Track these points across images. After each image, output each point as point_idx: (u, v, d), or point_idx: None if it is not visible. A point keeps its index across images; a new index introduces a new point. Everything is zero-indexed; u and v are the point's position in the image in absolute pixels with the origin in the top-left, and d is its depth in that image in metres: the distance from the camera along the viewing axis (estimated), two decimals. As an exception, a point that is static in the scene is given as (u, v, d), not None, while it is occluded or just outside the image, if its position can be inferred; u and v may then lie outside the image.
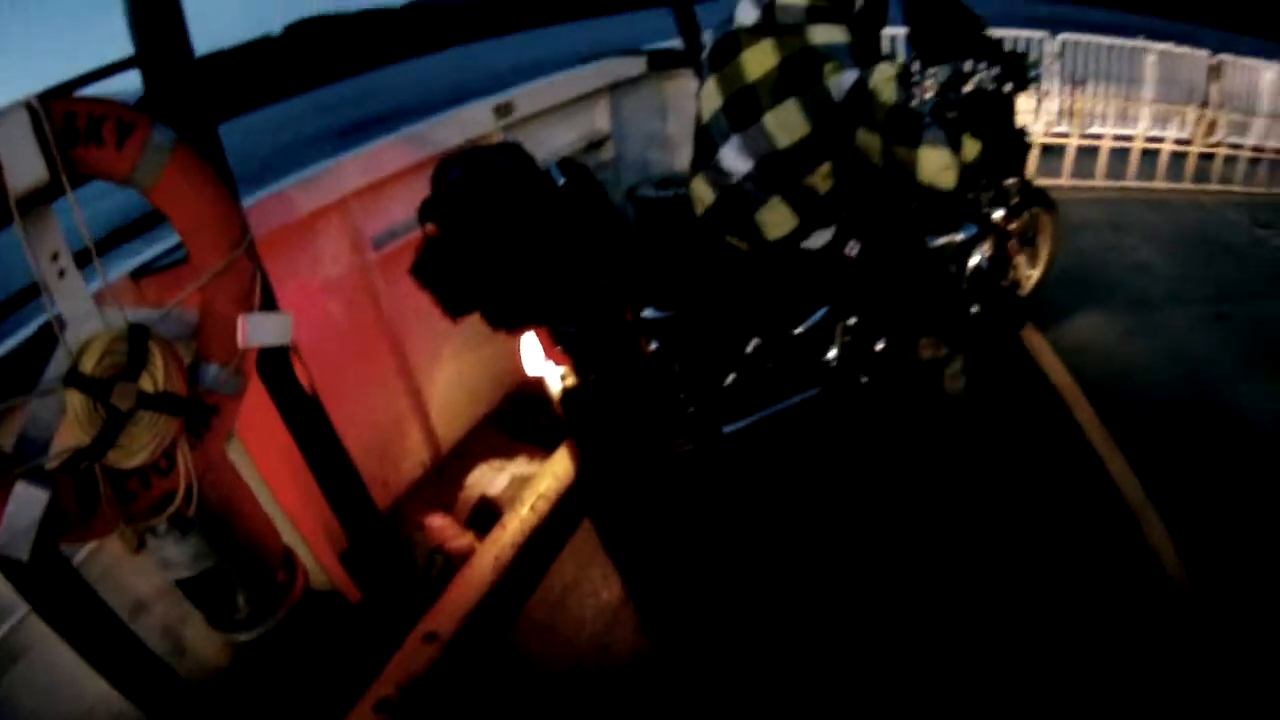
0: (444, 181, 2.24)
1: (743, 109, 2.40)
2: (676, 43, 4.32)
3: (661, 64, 4.39)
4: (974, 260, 3.29)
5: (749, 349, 2.75)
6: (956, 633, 2.45)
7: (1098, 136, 7.88)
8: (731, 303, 2.68)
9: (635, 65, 4.30)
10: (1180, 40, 9.61)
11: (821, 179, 2.45)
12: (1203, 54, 9.42)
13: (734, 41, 2.40)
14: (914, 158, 2.24)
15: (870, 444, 3.21)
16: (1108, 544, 2.82)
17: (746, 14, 2.39)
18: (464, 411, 3.49)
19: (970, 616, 2.51)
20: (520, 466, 3.18)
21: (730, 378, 2.77)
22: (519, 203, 2.17)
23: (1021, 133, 3.29)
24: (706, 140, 2.57)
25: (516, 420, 3.50)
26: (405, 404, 3.20)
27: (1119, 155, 7.84)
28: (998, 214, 3.39)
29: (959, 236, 3.12)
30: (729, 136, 2.46)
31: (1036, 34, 8.46)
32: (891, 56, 2.37)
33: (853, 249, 2.65)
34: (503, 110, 3.38)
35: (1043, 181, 6.98)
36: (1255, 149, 8.85)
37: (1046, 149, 7.55)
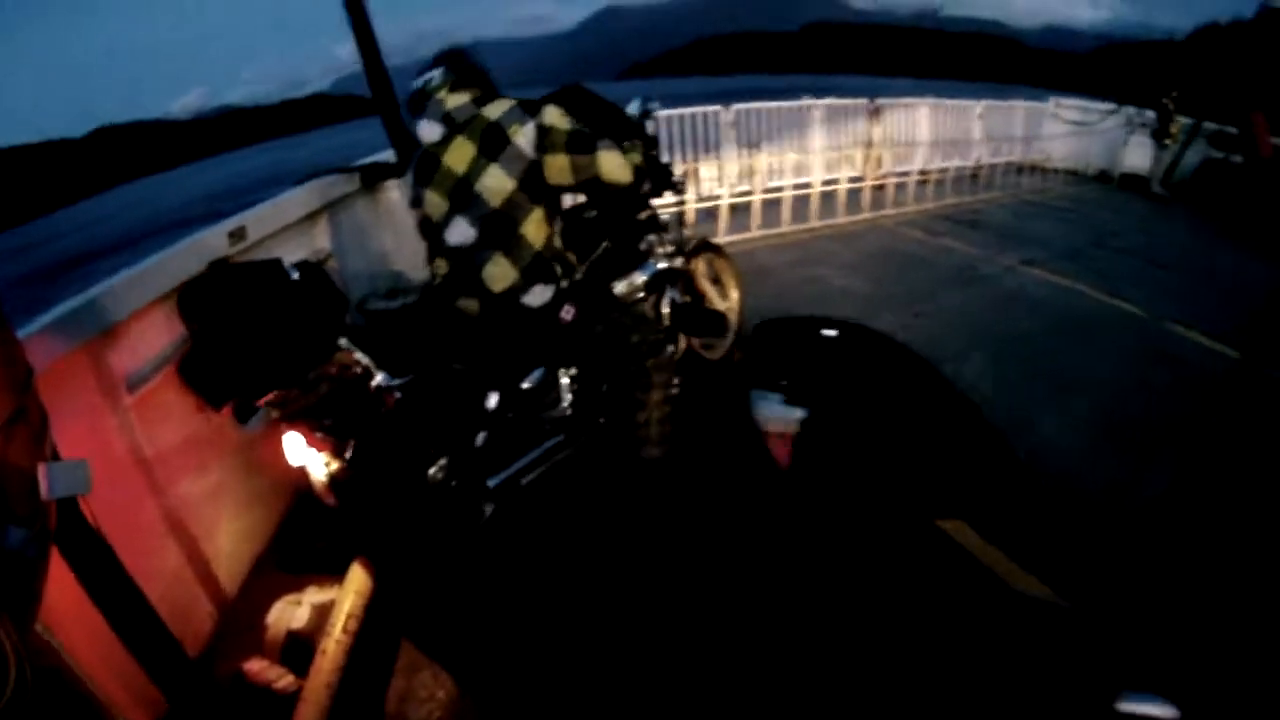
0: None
1: (462, 194, 2.79)
2: (388, 155, 4.53)
3: (373, 179, 4.53)
4: (666, 299, 3.78)
5: (490, 406, 2.95)
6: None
7: (779, 189, 8.77)
8: (462, 363, 2.88)
9: (349, 182, 4.37)
10: (842, 93, 10.81)
11: (534, 229, 2.83)
12: (862, 101, 10.64)
13: (432, 157, 2.83)
14: (594, 161, 2.76)
15: (618, 483, 3.46)
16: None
17: (432, 132, 2.83)
18: (243, 552, 3.34)
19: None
20: (316, 595, 3.03)
21: (481, 435, 2.95)
22: (258, 290, 2.42)
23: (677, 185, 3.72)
24: (436, 230, 2.90)
25: (294, 554, 3.40)
26: (183, 552, 2.95)
27: (802, 201, 8.70)
28: (677, 258, 3.90)
29: (640, 278, 3.55)
30: (454, 218, 2.83)
31: (712, 107, 9.23)
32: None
33: (568, 313, 3.00)
34: (236, 235, 3.30)
35: (734, 236, 7.81)
36: (921, 172, 10.12)
37: (734, 208, 8.20)
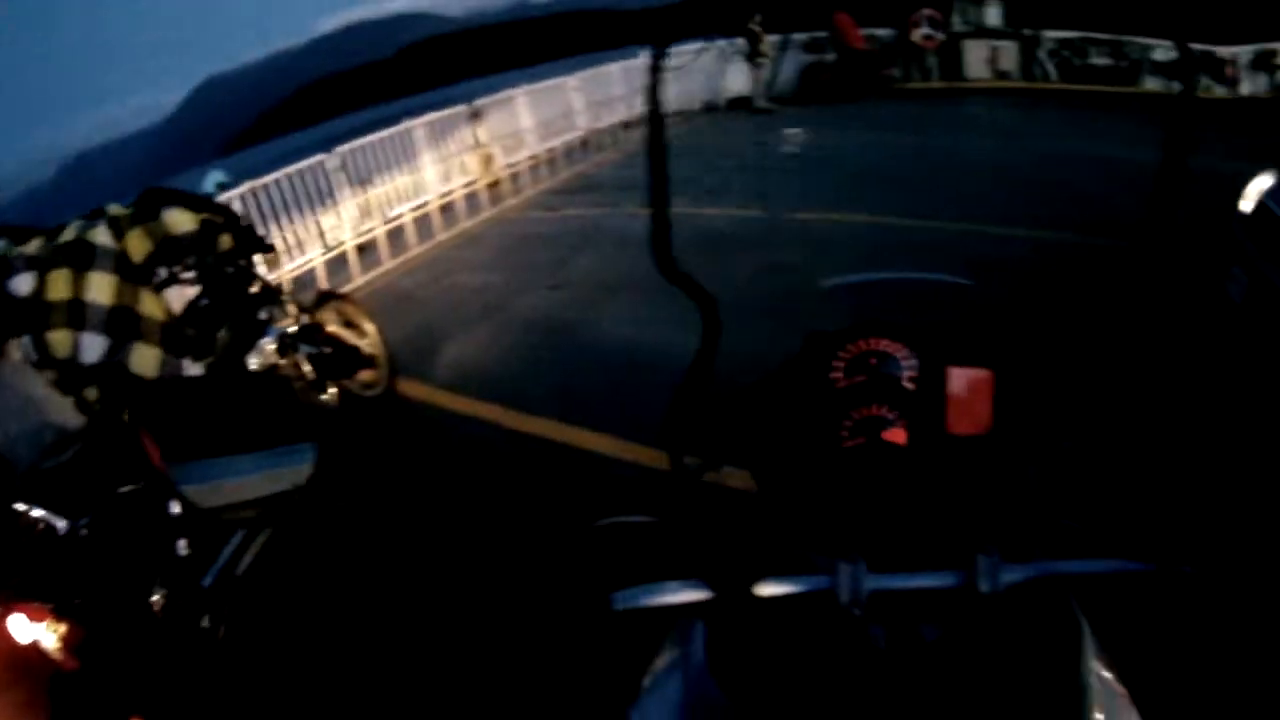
0: None
1: (76, 314, 2.81)
2: None
3: None
4: (305, 354, 3.87)
5: (175, 512, 2.86)
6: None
7: (400, 215, 8.70)
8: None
9: None
10: (448, 104, 10.84)
11: (151, 306, 2.96)
12: (461, 107, 10.76)
13: (35, 304, 2.81)
14: (160, 222, 3.00)
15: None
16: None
17: (24, 284, 2.82)
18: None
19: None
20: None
21: (181, 543, 2.87)
22: None
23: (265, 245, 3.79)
24: (73, 366, 2.83)
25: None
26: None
27: (424, 220, 8.75)
28: (302, 316, 3.93)
29: (269, 344, 3.59)
30: (81, 337, 2.82)
31: (317, 157, 8.91)
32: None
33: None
34: None
35: (369, 275, 7.60)
36: (532, 157, 10.44)
37: (361, 248, 8.10)
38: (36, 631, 2.50)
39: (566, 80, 12.18)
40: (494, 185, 9.61)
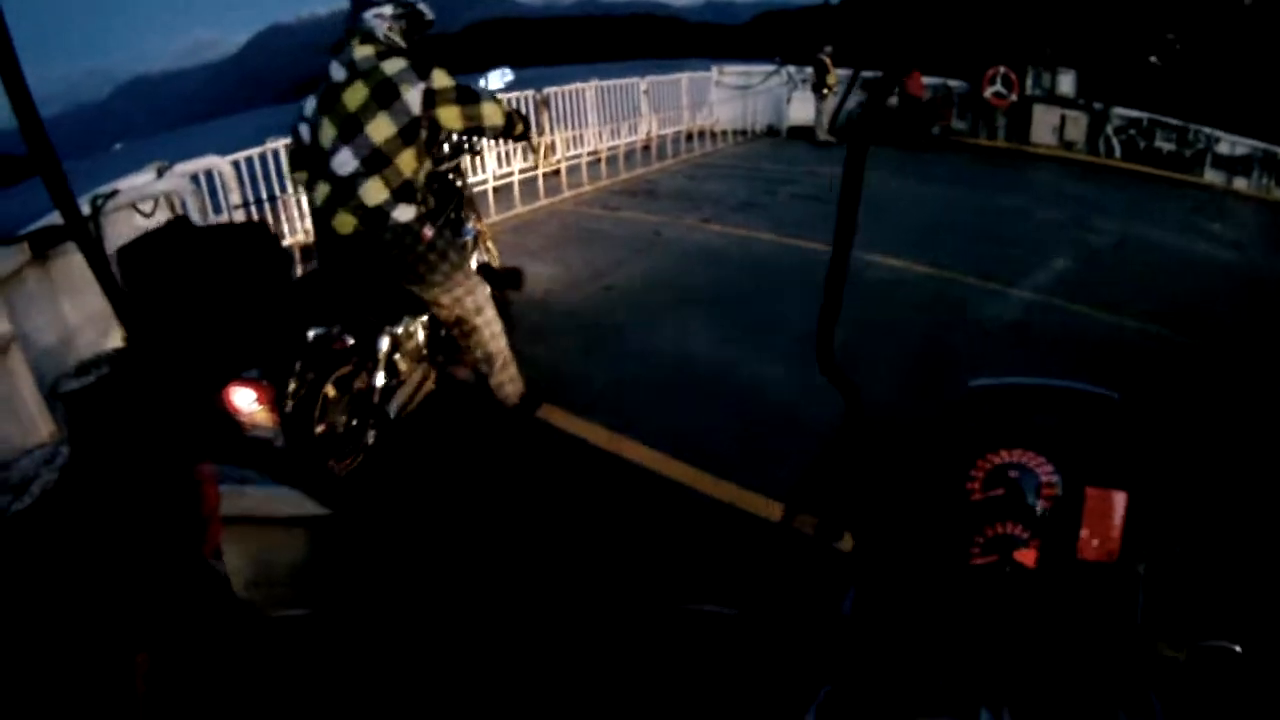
0: None
1: (349, 129, 3.31)
2: (54, 218, 4.04)
3: (43, 246, 4.06)
4: (475, 259, 4.45)
5: (383, 349, 3.57)
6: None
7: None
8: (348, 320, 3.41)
9: (18, 255, 3.92)
10: (509, 88, 10.77)
11: (405, 162, 3.36)
12: (530, 92, 10.71)
13: (335, 91, 3.34)
14: (479, 110, 3.39)
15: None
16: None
17: (338, 73, 3.34)
18: None
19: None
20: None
21: (379, 376, 3.55)
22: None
23: None
24: (321, 155, 3.39)
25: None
26: None
27: (478, 199, 8.65)
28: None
29: (465, 239, 4.28)
30: (340, 148, 3.32)
31: None
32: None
33: (429, 230, 3.51)
34: None
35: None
36: (592, 153, 10.38)
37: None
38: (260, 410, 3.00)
39: (637, 82, 12.16)
40: (553, 174, 9.53)
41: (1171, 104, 13.46)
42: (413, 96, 3.29)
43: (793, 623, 1.29)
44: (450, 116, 3.38)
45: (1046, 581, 1.20)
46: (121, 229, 5.01)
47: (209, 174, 6.43)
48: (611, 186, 9.85)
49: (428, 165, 3.55)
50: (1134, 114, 13.49)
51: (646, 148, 11.63)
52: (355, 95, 3.29)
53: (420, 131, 3.36)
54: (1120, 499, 1.22)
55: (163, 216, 5.71)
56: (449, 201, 4.15)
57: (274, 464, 3.05)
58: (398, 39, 3.47)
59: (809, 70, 13.37)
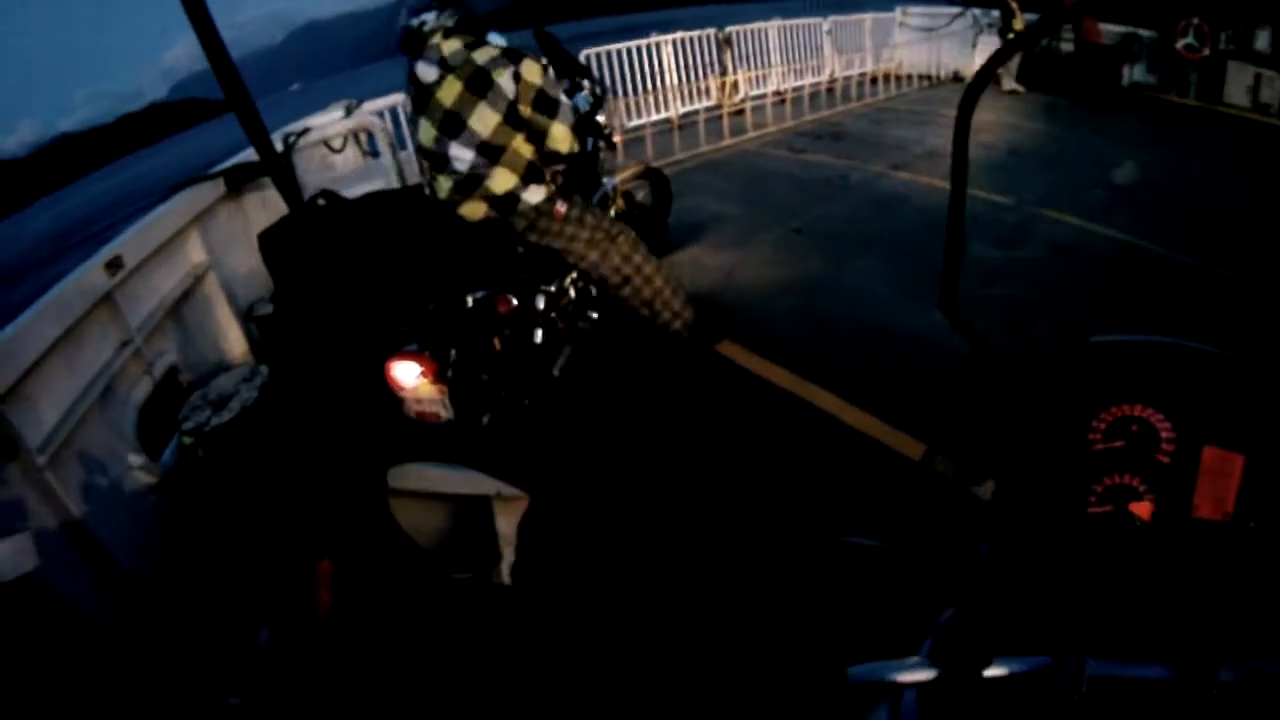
0: None
1: (452, 125, 3.27)
2: (248, 155, 4.30)
3: (239, 181, 4.30)
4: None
5: (540, 307, 3.52)
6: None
7: (641, 127, 8.70)
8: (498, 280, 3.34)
9: (214, 189, 4.16)
10: (690, 25, 10.62)
11: (521, 145, 3.32)
12: (710, 30, 10.53)
13: (427, 91, 3.29)
14: (549, 126, 3.30)
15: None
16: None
17: (428, 73, 3.27)
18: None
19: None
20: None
21: (539, 333, 3.51)
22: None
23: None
24: (432, 154, 3.37)
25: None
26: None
27: (663, 135, 8.65)
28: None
29: (606, 190, 4.25)
30: (450, 143, 3.29)
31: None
32: (537, 55, 3.38)
33: (562, 206, 3.49)
34: (113, 265, 3.19)
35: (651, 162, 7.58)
36: (776, 93, 10.10)
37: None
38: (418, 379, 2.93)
39: (820, 21, 11.72)
40: (737, 114, 9.31)
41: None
42: (505, 81, 3.22)
43: (934, 559, 1.36)
44: (524, 114, 3.28)
45: (1159, 535, 1.24)
46: (313, 163, 5.31)
47: (393, 111, 6.57)
48: (796, 128, 9.59)
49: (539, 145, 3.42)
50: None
51: (830, 90, 11.27)
52: (450, 91, 3.25)
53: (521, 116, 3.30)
54: (1238, 461, 1.24)
55: (351, 152, 5.90)
56: (582, 167, 3.96)
57: (444, 440, 3.05)
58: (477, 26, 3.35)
59: (995, 14, 12.48)
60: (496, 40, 3.31)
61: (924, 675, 1.09)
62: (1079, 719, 1.04)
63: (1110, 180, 7.08)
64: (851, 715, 1.23)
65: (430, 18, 3.26)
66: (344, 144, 5.72)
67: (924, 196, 6.52)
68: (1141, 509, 1.25)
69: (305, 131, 5.06)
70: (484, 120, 3.23)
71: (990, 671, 1.06)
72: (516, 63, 3.23)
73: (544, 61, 3.34)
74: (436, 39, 3.25)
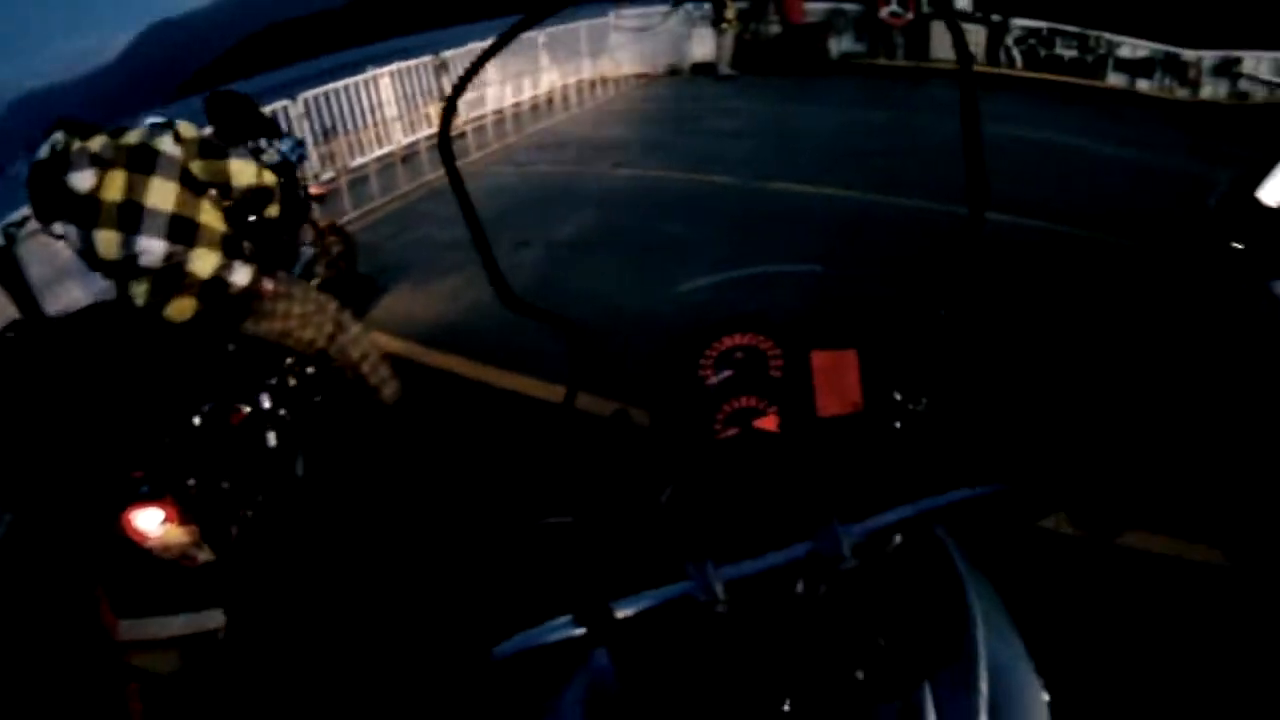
0: None
1: (130, 217, 2.91)
2: None
3: None
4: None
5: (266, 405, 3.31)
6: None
7: (364, 166, 8.59)
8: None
9: None
10: (408, 55, 10.54)
11: (212, 216, 3.07)
12: (427, 58, 10.48)
13: (90, 200, 2.89)
14: (225, 168, 3.06)
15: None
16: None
17: (83, 179, 2.87)
18: None
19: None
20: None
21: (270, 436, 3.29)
22: None
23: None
24: (119, 263, 2.97)
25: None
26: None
27: (388, 170, 8.60)
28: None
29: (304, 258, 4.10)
30: (135, 239, 2.92)
31: (280, 103, 8.58)
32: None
33: (269, 284, 3.20)
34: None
35: (335, 219, 7.46)
36: (496, 111, 10.24)
37: (321, 198, 7.77)
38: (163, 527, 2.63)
39: (535, 36, 11.96)
40: (459, 138, 9.37)
41: (1071, 13, 13.63)
42: (168, 145, 2.98)
43: (621, 522, 1.34)
44: (198, 169, 3.05)
45: (790, 441, 1.31)
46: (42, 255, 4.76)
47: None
48: (519, 143, 9.72)
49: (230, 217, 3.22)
50: (1033, 24, 13.60)
51: (550, 100, 11.51)
52: (114, 183, 2.91)
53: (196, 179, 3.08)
54: (851, 356, 1.33)
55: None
56: (272, 234, 3.68)
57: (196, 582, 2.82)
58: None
59: (707, 6, 13.28)
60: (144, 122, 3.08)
61: (568, 634, 1.05)
62: (731, 628, 1.07)
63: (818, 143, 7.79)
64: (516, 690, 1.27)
65: (59, 136, 2.91)
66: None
67: (645, 189, 6.85)
68: (768, 423, 1.32)
69: (26, 221, 4.51)
70: (163, 194, 2.95)
71: (625, 612, 1.04)
72: (171, 126, 3.03)
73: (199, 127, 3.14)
74: (76, 144, 2.88)
